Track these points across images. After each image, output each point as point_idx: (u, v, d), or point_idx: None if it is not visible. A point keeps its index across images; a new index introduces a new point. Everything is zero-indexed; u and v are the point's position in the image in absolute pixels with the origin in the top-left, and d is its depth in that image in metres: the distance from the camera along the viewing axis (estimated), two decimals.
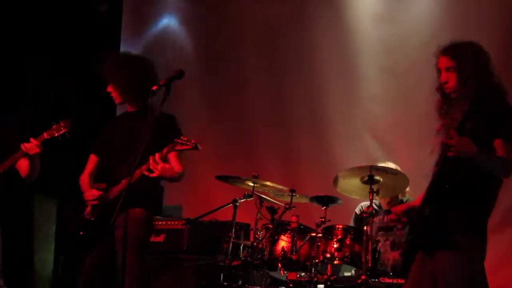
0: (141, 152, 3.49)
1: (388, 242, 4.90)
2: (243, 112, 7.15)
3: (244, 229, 5.45)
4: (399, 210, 3.51)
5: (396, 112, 6.43)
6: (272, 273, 5.07)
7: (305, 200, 5.07)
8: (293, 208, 4.91)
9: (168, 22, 7.73)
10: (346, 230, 4.75)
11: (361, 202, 5.45)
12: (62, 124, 4.27)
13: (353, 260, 4.66)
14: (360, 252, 4.54)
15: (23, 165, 4.42)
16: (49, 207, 6.83)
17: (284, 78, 6.99)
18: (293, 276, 4.74)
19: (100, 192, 4.13)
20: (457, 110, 3.22)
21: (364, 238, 4.48)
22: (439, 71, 3.43)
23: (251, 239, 5.18)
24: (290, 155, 6.84)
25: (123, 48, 7.51)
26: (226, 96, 7.30)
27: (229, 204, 5.17)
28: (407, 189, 5.06)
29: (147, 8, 7.80)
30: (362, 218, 4.65)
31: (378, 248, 4.62)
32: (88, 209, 4.16)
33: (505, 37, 5.79)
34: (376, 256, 4.58)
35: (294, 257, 4.74)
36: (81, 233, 4.16)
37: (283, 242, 4.86)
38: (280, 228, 4.91)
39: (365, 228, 4.50)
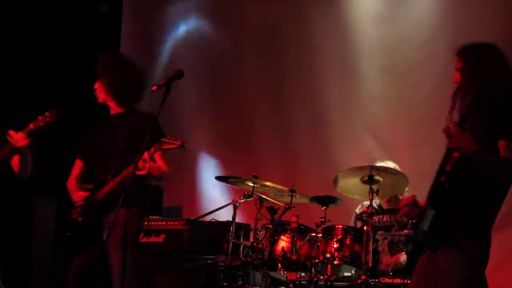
0: (123, 153, 3.51)
1: (386, 242, 4.91)
2: (243, 112, 7.14)
3: (244, 229, 5.45)
4: (409, 200, 3.49)
5: (396, 112, 6.42)
6: (272, 273, 5.06)
7: (305, 200, 5.06)
8: (293, 208, 4.90)
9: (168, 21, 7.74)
10: (346, 230, 4.74)
11: (361, 202, 5.44)
12: (47, 114, 4.29)
13: (353, 260, 4.65)
14: (360, 252, 4.54)
15: (15, 161, 4.42)
16: (48, 207, 6.83)
17: (284, 78, 6.99)
18: (293, 276, 4.73)
19: (87, 193, 4.20)
20: (463, 108, 3.26)
21: (364, 238, 4.47)
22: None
23: (251, 239, 5.18)
24: (290, 155, 6.83)
25: (123, 48, 7.51)
26: (226, 96, 7.30)
27: (229, 204, 5.17)
28: (407, 188, 5.06)
29: (147, 8, 7.80)
30: (362, 218, 4.65)
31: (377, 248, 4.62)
32: (76, 210, 4.21)
33: (509, 37, 5.74)
34: (376, 257, 4.58)
35: (294, 257, 4.74)
36: (68, 233, 4.21)
37: (283, 242, 4.85)
38: (280, 228, 4.90)
39: (365, 228, 4.50)
